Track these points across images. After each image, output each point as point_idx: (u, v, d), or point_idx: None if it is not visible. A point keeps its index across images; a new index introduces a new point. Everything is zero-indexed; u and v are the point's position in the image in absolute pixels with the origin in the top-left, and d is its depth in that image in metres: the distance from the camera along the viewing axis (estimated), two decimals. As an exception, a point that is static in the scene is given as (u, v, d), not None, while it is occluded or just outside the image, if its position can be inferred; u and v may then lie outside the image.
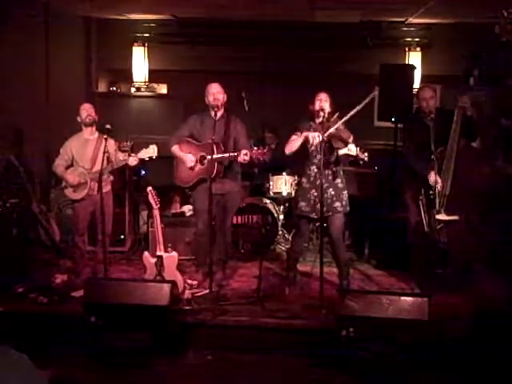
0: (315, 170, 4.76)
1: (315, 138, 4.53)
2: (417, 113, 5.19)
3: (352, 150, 4.46)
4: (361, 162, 4.62)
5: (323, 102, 4.66)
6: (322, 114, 4.56)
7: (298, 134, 4.72)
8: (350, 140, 4.51)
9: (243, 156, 4.65)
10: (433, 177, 4.61)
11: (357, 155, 4.46)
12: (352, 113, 4.51)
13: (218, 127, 4.79)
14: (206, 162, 4.82)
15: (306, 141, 4.65)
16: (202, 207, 4.85)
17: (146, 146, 4.86)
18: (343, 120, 4.54)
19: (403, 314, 3.85)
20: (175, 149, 4.99)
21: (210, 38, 7.50)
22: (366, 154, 4.47)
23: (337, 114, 4.63)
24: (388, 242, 5.77)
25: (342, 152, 4.59)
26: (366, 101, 4.52)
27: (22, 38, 6.05)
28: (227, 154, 4.77)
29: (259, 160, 4.68)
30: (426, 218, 4.67)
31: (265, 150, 4.63)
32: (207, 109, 4.94)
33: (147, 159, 4.89)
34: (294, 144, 4.72)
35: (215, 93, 4.85)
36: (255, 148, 4.69)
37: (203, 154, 4.85)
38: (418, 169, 4.80)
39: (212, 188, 4.68)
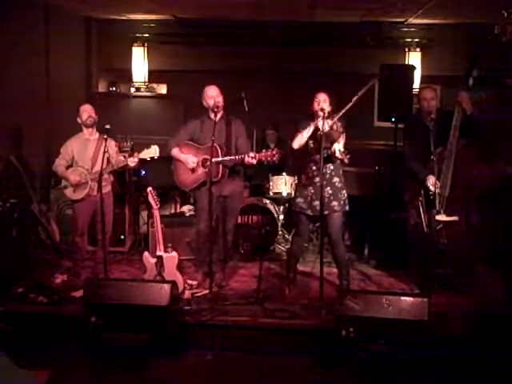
0: (313, 168, 4.76)
1: (324, 124, 4.49)
2: (417, 113, 5.19)
3: (335, 149, 4.46)
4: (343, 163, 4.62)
5: (322, 102, 4.65)
6: (321, 113, 4.56)
7: (301, 130, 4.72)
8: (340, 140, 4.51)
9: (250, 159, 4.64)
10: (431, 180, 4.61)
11: (340, 155, 4.46)
12: (348, 106, 4.51)
13: (219, 129, 4.78)
14: (208, 164, 4.78)
15: (317, 129, 4.59)
16: (204, 207, 4.83)
17: (148, 146, 4.86)
18: (338, 116, 4.54)
19: (403, 314, 3.85)
20: (175, 152, 4.96)
21: (210, 38, 7.50)
22: (348, 156, 4.44)
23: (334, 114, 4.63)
24: (388, 242, 5.78)
25: (328, 152, 4.58)
26: (365, 89, 4.52)
27: (22, 38, 6.05)
28: (233, 157, 4.75)
29: (268, 162, 4.66)
30: (426, 218, 4.67)
31: (274, 152, 4.60)
32: (205, 111, 4.93)
33: (149, 159, 4.89)
34: (302, 137, 4.67)
35: (215, 96, 4.84)
36: (263, 150, 4.67)
37: (206, 156, 4.81)
38: (415, 171, 4.81)
39: (215, 189, 4.68)
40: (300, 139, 4.69)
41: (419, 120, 4.89)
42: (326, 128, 4.48)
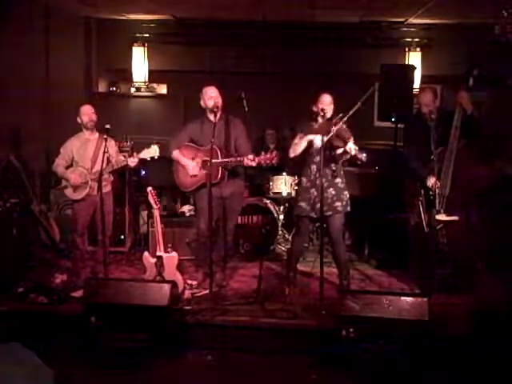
0: (315, 170, 4.76)
1: (318, 141, 4.54)
2: (418, 113, 5.18)
3: (351, 149, 4.45)
4: (358, 162, 4.61)
5: (326, 105, 4.63)
6: (322, 114, 4.56)
7: (301, 135, 4.71)
8: (350, 140, 4.51)
9: (249, 161, 4.62)
10: (431, 179, 4.62)
11: (355, 155, 4.45)
12: (352, 111, 4.51)
13: (218, 130, 4.78)
14: (208, 166, 4.77)
15: (310, 144, 4.65)
16: (204, 207, 4.82)
17: (148, 146, 4.86)
18: (344, 119, 4.54)
19: (403, 313, 3.85)
20: (176, 154, 4.96)
21: (210, 38, 7.51)
22: (365, 155, 4.45)
23: (340, 115, 4.62)
24: (388, 242, 5.78)
25: (339, 151, 4.59)
26: (365, 96, 4.52)
27: (21, 38, 6.06)
28: (232, 159, 4.75)
29: (267, 164, 4.67)
30: (426, 218, 4.67)
31: (273, 155, 4.60)
32: (204, 112, 4.93)
33: (149, 159, 4.89)
34: (297, 147, 4.71)
35: (215, 97, 4.83)
36: (262, 153, 4.66)
37: (206, 158, 4.80)
38: (416, 170, 4.81)
39: (215, 191, 4.68)
40: (295, 149, 4.72)
41: (420, 119, 4.88)
42: (319, 144, 4.51)
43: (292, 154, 4.75)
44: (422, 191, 4.72)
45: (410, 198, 4.94)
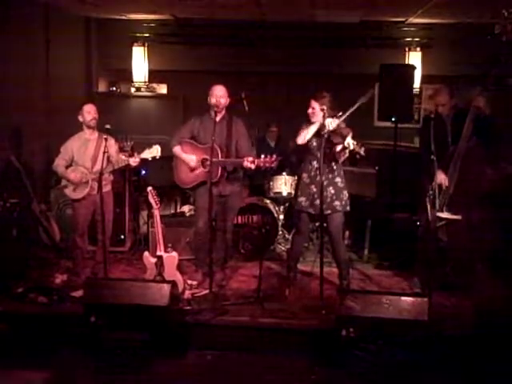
0: (316, 167, 4.75)
1: (330, 123, 4.51)
2: (435, 112, 5.11)
3: (349, 143, 4.45)
4: (358, 157, 4.60)
5: (317, 111, 4.64)
6: (321, 113, 4.56)
7: (304, 126, 4.72)
8: (349, 135, 4.51)
9: (249, 164, 4.62)
10: (441, 176, 4.62)
11: (353, 149, 4.45)
12: (352, 110, 4.51)
13: (220, 129, 4.79)
14: (207, 164, 4.80)
15: (322, 127, 4.55)
16: (203, 205, 4.84)
17: (149, 146, 4.85)
18: (343, 117, 4.54)
19: (403, 314, 3.84)
20: (177, 149, 4.97)
21: (210, 38, 7.52)
22: (363, 149, 4.45)
23: (339, 114, 4.62)
24: (388, 242, 5.77)
25: (339, 147, 4.58)
26: (365, 98, 4.52)
27: (22, 37, 6.06)
28: (232, 160, 4.75)
29: (266, 168, 4.67)
30: (431, 216, 4.66)
31: (272, 159, 4.60)
32: (209, 109, 4.94)
33: (150, 159, 4.88)
34: (308, 133, 4.68)
35: (218, 95, 4.84)
36: (262, 156, 4.65)
37: (206, 156, 4.81)
38: (427, 165, 4.77)
39: (214, 190, 4.68)
40: (305, 134, 4.69)
41: (436, 118, 4.83)
42: (331, 127, 4.49)
43: (301, 141, 4.72)
44: (429, 187, 4.71)
45: (423, 195, 4.91)
